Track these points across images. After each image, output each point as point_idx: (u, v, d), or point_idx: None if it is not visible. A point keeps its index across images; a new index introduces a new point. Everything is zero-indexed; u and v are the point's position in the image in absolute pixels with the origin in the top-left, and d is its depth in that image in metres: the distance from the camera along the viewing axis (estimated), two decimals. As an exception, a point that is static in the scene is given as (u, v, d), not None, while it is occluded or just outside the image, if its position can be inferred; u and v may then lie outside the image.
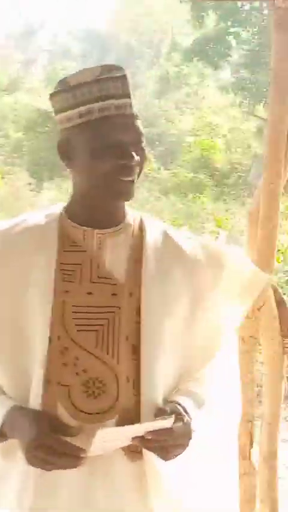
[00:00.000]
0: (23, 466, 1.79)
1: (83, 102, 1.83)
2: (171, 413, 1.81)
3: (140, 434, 1.74)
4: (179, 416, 1.82)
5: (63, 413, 1.83)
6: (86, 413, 1.83)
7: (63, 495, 1.83)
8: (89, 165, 1.85)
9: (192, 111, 26.30)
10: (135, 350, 1.88)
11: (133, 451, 1.85)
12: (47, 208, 2.04)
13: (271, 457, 3.67)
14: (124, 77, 1.85)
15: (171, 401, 1.90)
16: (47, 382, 1.83)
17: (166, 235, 2.02)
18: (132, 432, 1.75)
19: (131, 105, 1.85)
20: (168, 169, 21.54)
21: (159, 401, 1.89)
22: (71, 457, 1.73)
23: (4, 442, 1.84)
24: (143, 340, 1.88)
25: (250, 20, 21.92)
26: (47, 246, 1.90)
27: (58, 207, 2.00)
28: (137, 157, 1.82)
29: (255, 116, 24.42)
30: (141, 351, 1.88)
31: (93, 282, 1.90)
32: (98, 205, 1.92)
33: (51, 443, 1.72)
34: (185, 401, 1.92)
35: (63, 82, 1.88)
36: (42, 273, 1.87)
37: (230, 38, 23.05)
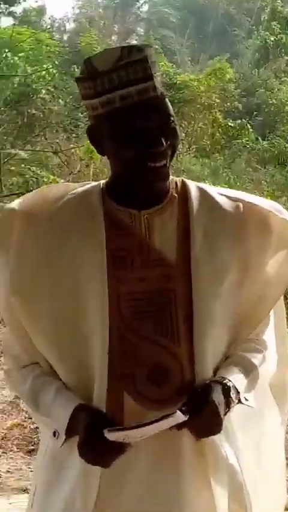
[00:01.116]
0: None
1: (104, 91, 1.77)
2: (200, 394, 1.80)
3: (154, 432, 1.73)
4: (204, 398, 1.79)
5: (130, 402, 1.82)
6: (152, 400, 1.82)
7: (127, 491, 1.83)
8: (117, 153, 1.82)
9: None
10: (191, 329, 1.86)
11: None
12: (82, 185, 1.98)
13: None
14: (144, 58, 1.77)
15: (219, 377, 1.87)
16: (111, 373, 1.81)
17: (211, 201, 1.94)
18: (143, 433, 1.73)
19: (154, 87, 1.78)
20: (267, 140, 21.21)
21: (210, 373, 1.87)
22: (117, 452, 1.75)
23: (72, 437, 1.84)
24: (195, 320, 1.84)
25: None
26: (94, 233, 1.86)
27: (95, 186, 1.96)
28: (164, 143, 1.77)
29: None
30: (194, 331, 1.84)
31: (145, 267, 1.86)
32: (137, 190, 1.86)
33: (98, 444, 1.75)
34: (230, 372, 1.90)
35: (85, 67, 1.83)
36: (94, 262, 1.84)
37: None
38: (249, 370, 1.94)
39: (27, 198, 1.97)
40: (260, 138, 21.60)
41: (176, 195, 1.92)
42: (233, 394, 1.85)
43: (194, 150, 19.96)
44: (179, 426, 1.75)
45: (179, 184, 1.94)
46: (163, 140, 1.77)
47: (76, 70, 24.60)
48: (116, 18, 42.79)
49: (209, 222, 1.90)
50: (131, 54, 1.77)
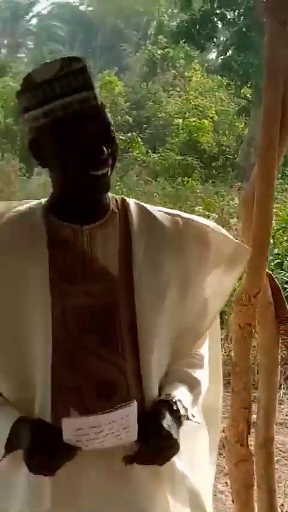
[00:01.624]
0: (34, 477, 1.79)
1: (46, 100, 1.78)
2: (153, 426, 1.80)
3: (111, 429, 1.72)
4: (156, 428, 1.81)
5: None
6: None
7: (83, 498, 1.83)
8: (59, 163, 1.82)
9: (180, 94, 26.22)
10: (135, 343, 1.87)
11: None
12: (22, 203, 1.99)
13: (267, 443, 3.69)
14: (84, 68, 1.80)
15: (166, 395, 1.89)
16: (57, 387, 1.81)
17: (151, 217, 1.98)
18: (100, 425, 1.71)
19: (95, 97, 1.80)
20: (157, 153, 21.47)
21: (156, 387, 1.90)
22: (67, 454, 1.74)
23: (12, 453, 1.82)
24: (140, 334, 1.87)
25: (236, 0, 21.80)
26: (37, 247, 1.86)
27: (37, 204, 1.96)
28: (106, 150, 1.80)
29: (241, 97, 24.37)
30: (139, 344, 1.86)
31: (89, 280, 1.86)
32: (79, 201, 1.88)
33: (45, 446, 1.73)
34: (176, 389, 1.92)
35: (26, 80, 1.84)
36: (37, 277, 1.83)
37: (216, 19, 22.90)
38: (193, 387, 1.98)
39: None
40: (150, 151, 21.83)
41: (116, 211, 1.94)
42: (181, 411, 1.88)
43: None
44: (131, 459, 1.79)
45: (119, 201, 1.98)
46: (104, 148, 1.79)
47: None
48: (5, 32, 42.43)
49: (150, 238, 1.94)
50: (71, 64, 1.79)
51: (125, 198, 2.02)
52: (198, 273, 2.01)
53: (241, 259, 2.15)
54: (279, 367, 3.75)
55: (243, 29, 22.46)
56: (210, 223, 2.09)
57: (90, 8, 45.52)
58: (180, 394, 1.91)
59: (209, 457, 2.23)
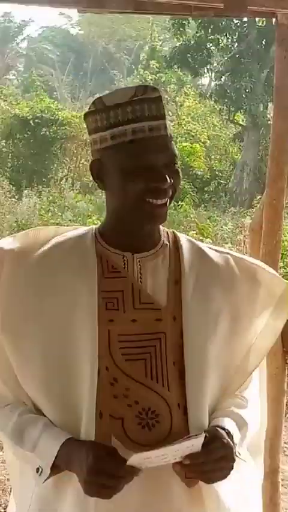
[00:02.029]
0: (79, 496, 1.76)
1: (116, 123, 1.79)
2: (212, 437, 1.77)
3: (175, 456, 1.72)
4: (217, 440, 1.79)
5: (118, 446, 1.77)
6: (141, 445, 1.78)
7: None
8: (121, 187, 1.81)
9: (172, 118, 26.33)
10: (182, 375, 1.85)
11: (189, 477, 1.81)
12: (74, 230, 2.00)
13: (273, 473, 3.67)
14: (159, 98, 1.81)
15: (214, 426, 1.86)
16: (99, 415, 1.79)
17: (201, 252, 1.99)
18: (166, 453, 1.70)
19: (165, 126, 1.81)
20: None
21: (206, 423, 1.86)
22: (129, 477, 1.69)
23: (57, 474, 1.80)
24: (187, 365, 1.85)
25: (230, 27, 22.01)
26: (87, 273, 1.86)
27: (87, 229, 1.97)
28: (169, 180, 1.79)
29: (235, 123, 24.53)
30: (186, 376, 1.84)
31: (136, 309, 1.85)
32: (132, 229, 1.88)
33: (109, 467, 1.69)
34: (227, 423, 1.88)
35: (96, 102, 1.85)
36: (86, 302, 1.83)
37: (210, 45, 23.11)
38: (241, 426, 1.93)
39: (16, 238, 1.97)
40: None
41: (167, 243, 1.94)
42: (234, 440, 1.85)
43: (78, 186, 20.03)
44: (189, 471, 1.75)
45: (170, 234, 1.97)
46: (168, 178, 1.78)
47: None
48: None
49: (200, 272, 1.93)
50: (146, 91, 1.80)
51: (175, 231, 2.01)
52: (248, 310, 2.00)
53: None
54: (285, 396, 3.74)
55: (237, 55, 22.64)
56: (259, 262, 2.12)
57: (82, 32, 45.77)
58: (231, 429, 1.87)
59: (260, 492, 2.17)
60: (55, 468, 1.79)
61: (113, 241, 1.90)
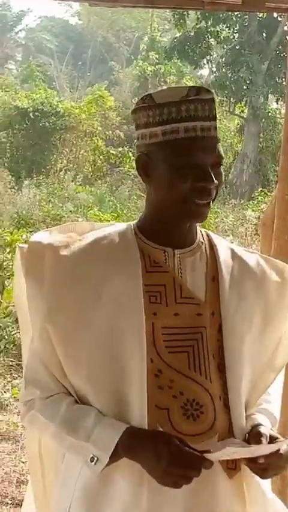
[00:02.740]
0: (129, 487, 1.81)
1: (169, 120, 1.82)
2: (271, 438, 1.86)
3: (250, 454, 1.79)
4: (276, 440, 1.86)
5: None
6: (187, 435, 1.81)
7: (176, 508, 1.83)
8: (167, 183, 1.85)
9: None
10: (220, 368, 1.91)
11: (230, 468, 1.88)
12: (113, 225, 2.04)
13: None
14: (212, 99, 1.85)
15: (259, 424, 1.93)
16: (147, 406, 1.83)
17: (233, 252, 2.04)
18: (257, 451, 1.79)
19: (215, 128, 1.84)
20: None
21: (244, 415, 1.94)
22: (208, 465, 1.72)
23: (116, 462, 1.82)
24: (227, 358, 1.91)
25: (231, 18, 21.97)
26: (131, 268, 1.90)
27: (126, 225, 2.01)
28: (215, 181, 1.83)
29: (236, 114, 24.50)
30: (227, 369, 1.91)
31: (178, 303, 1.90)
32: (173, 225, 1.92)
33: (191, 459, 1.71)
34: (267, 423, 1.96)
35: (148, 98, 1.88)
36: (132, 296, 1.87)
37: (210, 36, 23.07)
38: (273, 424, 2.02)
39: (53, 232, 2.02)
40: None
41: (203, 241, 1.99)
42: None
43: (78, 177, 20.01)
44: (255, 468, 1.82)
45: (203, 233, 2.03)
46: (214, 178, 1.83)
47: None
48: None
49: (234, 269, 2.00)
50: (200, 92, 1.84)
51: (207, 231, 2.07)
52: (277, 307, 2.05)
53: None
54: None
55: (237, 47, 22.61)
56: (284, 263, 2.15)
57: (81, 22, 45.64)
58: (269, 430, 1.94)
59: None
60: (114, 456, 1.80)
61: (154, 237, 1.94)
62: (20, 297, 2.04)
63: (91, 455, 1.82)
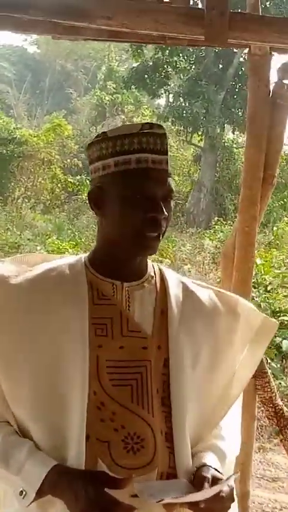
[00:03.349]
0: None
1: (121, 152, 1.85)
2: (213, 480, 1.84)
3: (205, 497, 1.76)
4: (219, 481, 1.84)
5: (103, 469, 1.81)
6: (126, 468, 1.81)
7: None
8: (118, 214, 1.86)
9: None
10: (164, 402, 1.90)
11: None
12: (64, 258, 2.05)
13: (244, 497, 3.70)
14: (164, 134, 1.88)
15: (204, 465, 1.92)
16: (86, 438, 1.82)
17: (184, 286, 2.06)
18: (198, 497, 1.76)
19: (167, 162, 1.87)
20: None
21: (188, 450, 1.93)
22: None
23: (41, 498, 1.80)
24: (172, 393, 1.91)
25: (188, 49, 22.20)
26: (78, 300, 1.90)
27: (77, 258, 2.02)
28: (166, 213, 1.85)
29: (192, 144, 24.69)
30: (172, 403, 1.91)
31: (124, 336, 1.90)
32: (123, 258, 1.93)
33: (108, 505, 1.70)
34: (214, 461, 1.96)
35: (102, 134, 1.92)
36: (77, 328, 1.87)
37: (168, 66, 23.27)
38: (222, 460, 2.02)
39: (4, 263, 2.02)
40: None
41: (153, 275, 2.01)
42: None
43: (35, 205, 19.96)
44: (195, 506, 1.77)
45: (155, 267, 2.04)
46: (164, 210, 1.85)
47: None
48: None
49: (184, 304, 2.00)
50: (153, 127, 1.88)
51: (159, 265, 2.09)
52: (228, 343, 2.08)
53: (269, 332, 2.22)
54: (256, 421, 3.77)
55: (194, 77, 22.83)
56: (238, 296, 2.19)
57: (39, 51, 45.70)
58: (217, 466, 1.94)
59: None
60: (40, 493, 1.80)
61: (103, 269, 1.95)
62: None
63: (20, 489, 1.81)
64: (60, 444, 1.83)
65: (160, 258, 12.55)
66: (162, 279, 2.02)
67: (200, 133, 23.52)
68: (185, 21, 3.02)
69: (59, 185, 22.46)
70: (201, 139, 24.11)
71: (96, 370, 1.86)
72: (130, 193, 1.84)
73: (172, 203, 1.92)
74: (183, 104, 23.17)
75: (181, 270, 11.81)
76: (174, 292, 2.01)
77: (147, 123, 1.90)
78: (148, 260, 2.01)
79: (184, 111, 22.88)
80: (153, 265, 2.04)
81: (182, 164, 24.50)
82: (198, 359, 1.98)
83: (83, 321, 1.87)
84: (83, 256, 2.02)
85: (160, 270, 2.05)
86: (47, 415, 1.86)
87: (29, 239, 15.24)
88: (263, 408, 4.25)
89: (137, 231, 1.84)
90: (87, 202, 1.94)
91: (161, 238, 1.89)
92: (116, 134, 1.88)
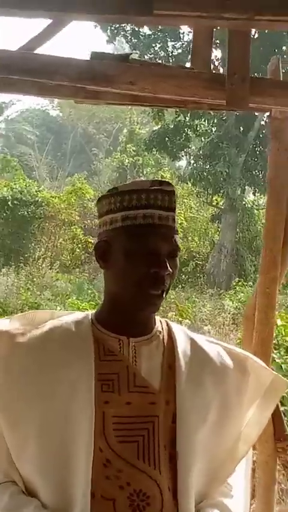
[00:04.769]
0: None
1: (129, 207, 1.87)
2: None
3: None
4: None
5: None
6: None
7: None
8: (123, 268, 1.87)
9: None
10: (171, 458, 1.88)
11: None
12: (71, 314, 2.05)
13: None
14: (172, 192, 1.90)
15: None
16: (92, 495, 1.80)
17: (193, 341, 2.04)
18: None
19: (174, 219, 1.90)
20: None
21: (193, 507, 1.90)
22: None
23: None
24: (179, 449, 1.88)
25: (209, 112, 22.47)
26: (84, 357, 1.89)
27: (84, 314, 2.02)
28: (169, 269, 1.85)
29: (213, 205, 24.81)
30: (178, 460, 1.88)
31: (131, 392, 1.89)
32: (128, 314, 1.93)
33: None
34: None
35: (113, 189, 1.95)
36: (83, 385, 1.86)
37: (189, 129, 23.52)
38: None
39: (12, 320, 2.02)
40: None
41: (161, 331, 2.00)
42: None
43: (56, 265, 20.07)
44: None
45: (163, 322, 2.04)
46: (168, 266, 1.85)
47: None
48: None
49: (193, 360, 1.98)
50: (162, 184, 1.90)
51: (168, 321, 2.07)
52: (237, 400, 2.05)
53: (278, 390, 2.19)
54: (276, 484, 3.73)
55: (215, 140, 23.04)
56: (248, 353, 2.18)
57: (61, 114, 46.43)
58: None
59: None
60: None
61: (109, 325, 1.95)
62: None
63: None
64: (66, 501, 1.82)
65: (180, 319, 12.52)
66: (170, 334, 2.01)
67: (220, 194, 23.64)
68: (206, 86, 3.08)
69: (79, 245, 22.61)
70: (221, 201, 24.24)
71: (103, 427, 1.85)
72: (135, 248, 1.85)
73: (177, 260, 1.91)
74: (204, 166, 23.35)
75: (201, 331, 11.75)
76: (182, 347, 1.99)
77: (157, 180, 1.93)
78: (156, 316, 2.01)
79: (205, 173, 23.05)
80: (161, 320, 2.04)
81: (202, 225, 24.59)
82: (206, 414, 1.96)
83: (89, 378, 1.86)
84: (91, 312, 2.03)
85: (168, 325, 2.04)
86: (53, 472, 1.85)
87: (48, 299, 15.30)
88: (284, 472, 4.21)
89: (140, 286, 1.85)
90: (94, 255, 1.95)
91: (164, 295, 1.89)
92: (126, 189, 1.90)
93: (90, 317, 1.99)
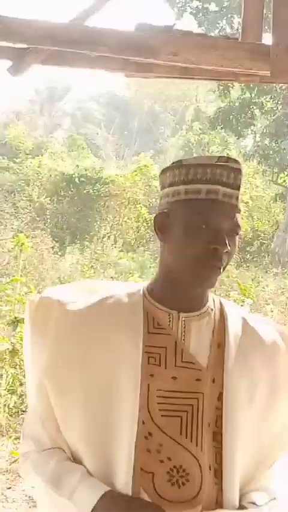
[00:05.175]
0: None
1: (193, 180, 1.84)
2: None
3: None
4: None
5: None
6: (169, 501, 1.80)
7: None
8: (181, 242, 1.85)
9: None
10: (215, 437, 1.87)
11: None
12: (124, 285, 2.08)
13: None
14: (239, 170, 1.86)
15: (253, 503, 1.88)
16: (133, 468, 1.81)
17: (245, 321, 2.01)
18: None
19: (237, 198, 1.86)
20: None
21: (237, 489, 1.87)
22: None
23: None
24: (225, 428, 1.86)
25: (275, 90, 22.19)
26: (133, 328, 1.89)
27: (138, 286, 2.02)
28: (228, 247, 1.82)
29: (279, 184, 24.56)
30: (223, 439, 1.86)
31: (178, 367, 1.87)
32: (182, 288, 1.91)
33: None
34: (264, 500, 1.90)
35: (177, 161, 1.91)
36: (130, 357, 1.86)
37: (254, 107, 23.29)
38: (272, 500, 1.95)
39: (65, 288, 2.08)
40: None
41: (213, 308, 1.97)
42: None
43: (121, 244, 20.15)
44: None
45: (216, 300, 2.01)
46: (227, 244, 1.82)
47: (2, 160, 24.92)
48: (42, 112, 43.33)
49: (243, 339, 1.95)
50: (229, 161, 1.86)
51: (222, 299, 2.05)
52: (286, 381, 2.00)
53: None
54: None
55: (281, 118, 22.75)
56: None
57: (128, 92, 46.45)
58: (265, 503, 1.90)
59: None
60: None
61: (161, 298, 1.94)
62: (27, 350, 2.05)
63: None
64: (109, 474, 1.83)
65: (243, 298, 12.42)
66: (222, 313, 1.98)
67: (286, 173, 23.36)
68: (250, 56, 3.02)
69: (144, 224, 22.63)
70: (286, 180, 23.96)
71: (147, 399, 1.85)
72: (195, 222, 1.82)
73: (237, 239, 1.88)
74: (269, 144, 23.10)
75: (263, 310, 11.66)
76: (233, 326, 1.96)
77: (224, 156, 1.89)
78: (210, 293, 1.98)
79: (270, 151, 22.81)
80: (214, 298, 2.01)
81: (268, 204, 24.35)
82: (254, 396, 1.91)
83: (136, 350, 1.86)
84: (144, 284, 2.02)
85: (221, 303, 2.01)
86: (96, 440, 1.85)
87: (112, 277, 15.36)
88: None
89: (197, 261, 1.83)
90: (153, 226, 1.93)
91: (220, 272, 1.85)
92: (190, 163, 1.86)
93: (142, 289, 1.99)
